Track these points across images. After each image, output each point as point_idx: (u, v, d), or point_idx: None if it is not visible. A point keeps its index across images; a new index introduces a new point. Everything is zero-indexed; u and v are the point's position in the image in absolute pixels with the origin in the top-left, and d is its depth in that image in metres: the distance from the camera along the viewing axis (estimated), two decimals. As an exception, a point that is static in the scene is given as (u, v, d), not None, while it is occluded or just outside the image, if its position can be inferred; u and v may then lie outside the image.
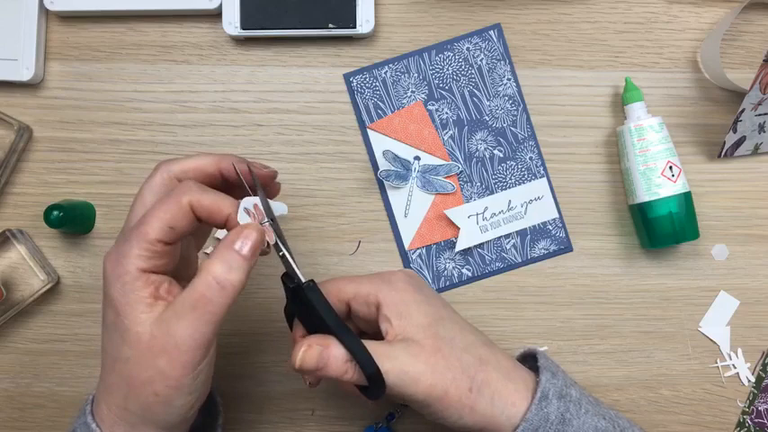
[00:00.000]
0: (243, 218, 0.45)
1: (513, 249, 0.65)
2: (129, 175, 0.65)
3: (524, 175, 0.65)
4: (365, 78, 0.65)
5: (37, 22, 0.63)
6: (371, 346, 0.47)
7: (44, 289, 0.63)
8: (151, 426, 0.45)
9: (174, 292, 0.44)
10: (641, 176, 0.62)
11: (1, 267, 0.64)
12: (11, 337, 0.64)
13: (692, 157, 0.66)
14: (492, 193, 0.65)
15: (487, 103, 0.65)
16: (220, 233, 0.64)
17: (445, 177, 0.65)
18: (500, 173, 0.65)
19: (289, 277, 0.49)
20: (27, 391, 0.64)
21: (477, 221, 0.64)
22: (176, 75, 0.65)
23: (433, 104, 0.65)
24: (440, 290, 0.65)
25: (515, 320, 0.65)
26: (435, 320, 0.51)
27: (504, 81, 0.65)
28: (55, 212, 0.58)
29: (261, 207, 0.47)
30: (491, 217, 0.65)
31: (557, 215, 0.65)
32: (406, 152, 0.65)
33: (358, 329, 0.54)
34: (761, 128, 0.64)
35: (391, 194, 0.65)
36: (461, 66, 0.65)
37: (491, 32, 0.65)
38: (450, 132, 0.65)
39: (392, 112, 0.65)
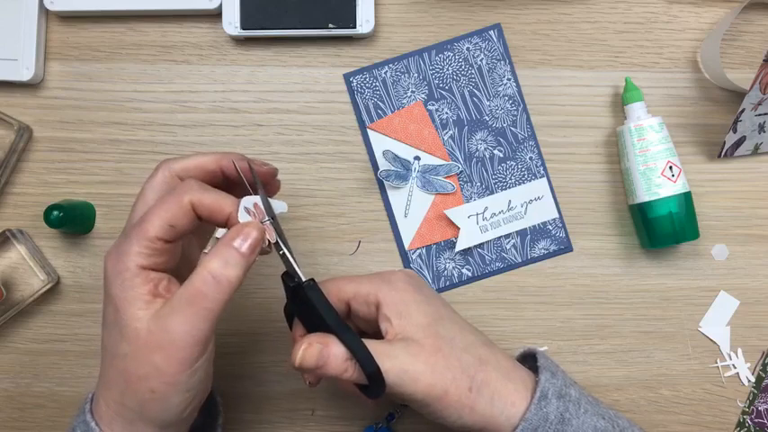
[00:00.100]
0: (243, 216, 0.45)
1: (513, 249, 0.65)
2: (129, 175, 0.65)
3: (524, 175, 0.65)
4: (365, 78, 0.65)
5: (37, 22, 0.63)
6: (371, 345, 0.47)
7: (44, 289, 0.63)
8: (148, 423, 0.45)
9: (173, 290, 0.44)
10: (641, 176, 0.62)
11: (1, 267, 0.64)
12: (11, 337, 0.64)
13: (692, 157, 0.66)
14: (492, 193, 0.65)
15: (487, 103, 0.65)
16: (220, 233, 0.64)
17: (445, 177, 0.65)
18: (500, 173, 0.65)
19: (289, 276, 0.49)
20: (27, 391, 0.64)
21: (477, 221, 0.64)
22: (176, 75, 0.65)
23: (433, 104, 0.65)
24: (440, 290, 0.65)
25: (515, 320, 0.65)
26: (435, 320, 0.51)
27: (504, 81, 0.65)
28: (55, 212, 0.58)
29: (261, 206, 0.47)
30: (491, 217, 0.65)
31: (557, 215, 0.65)
32: (406, 152, 0.65)
33: (358, 329, 0.54)
34: (761, 128, 0.64)
35: (391, 194, 0.65)
36: (461, 66, 0.65)
37: (491, 32, 0.65)
38: (450, 132, 0.65)
39: (392, 112, 0.65)
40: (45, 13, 0.64)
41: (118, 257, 0.44)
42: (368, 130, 0.65)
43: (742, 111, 0.62)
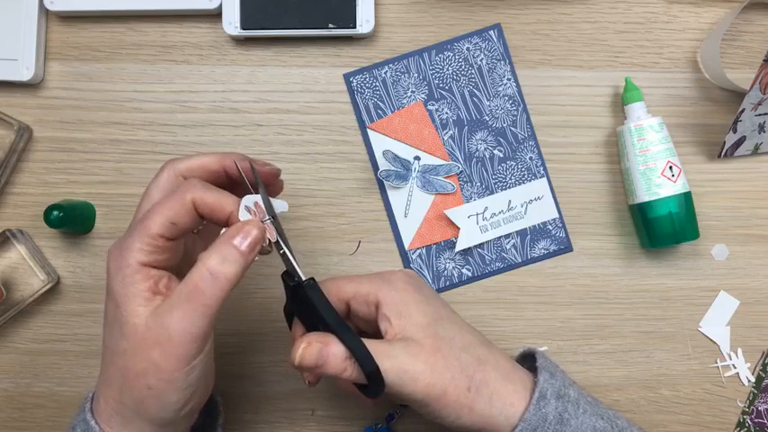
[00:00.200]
0: (244, 215, 0.46)
1: (513, 249, 0.65)
2: (129, 175, 0.65)
3: (524, 175, 0.65)
4: (365, 78, 0.65)
5: (37, 22, 0.63)
6: (371, 344, 0.47)
7: (44, 289, 0.63)
8: (145, 421, 0.45)
9: (174, 288, 0.44)
10: (641, 176, 0.62)
11: (1, 267, 0.64)
12: (11, 337, 0.64)
13: (692, 157, 0.66)
14: (492, 193, 0.65)
15: (487, 103, 0.65)
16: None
17: (445, 177, 0.65)
18: (500, 173, 0.65)
19: (289, 275, 0.49)
20: (27, 391, 0.64)
21: (477, 221, 0.64)
22: (176, 75, 0.65)
23: (433, 104, 0.65)
24: (440, 290, 0.65)
25: (515, 320, 0.65)
26: (434, 320, 0.51)
27: (504, 81, 0.65)
28: (55, 212, 0.58)
29: (262, 205, 0.47)
30: (491, 217, 0.65)
31: (557, 215, 0.65)
32: (406, 152, 0.65)
33: (357, 329, 0.54)
34: (761, 128, 0.64)
35: (391, 194, 0.65)
36: (461, 66, 0.65)
37: (491, 32, 0.65)
38: (450, 132, 0.65)
39: (392, 112, 0.65)
40: (45, 13, 0.64)
41: (120, 254, 0.44)
42: (368, 130, 0.65)
43: (742, 111, 0.62)
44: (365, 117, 0.65)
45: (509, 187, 0.65)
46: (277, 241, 0.48)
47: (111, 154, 0.65)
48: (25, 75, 0.63)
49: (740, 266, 0.66)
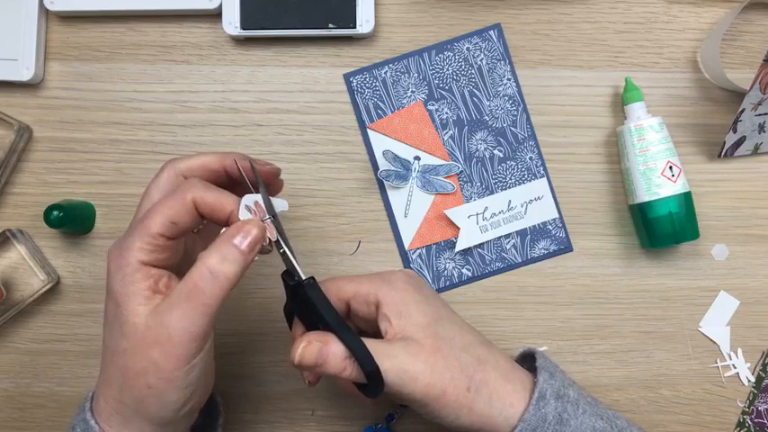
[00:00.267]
0: (244, 215, 0.46)
1: (513, 249, 0.65)
2: (129, 175, 0.65)
3: (524, 175, 0.65)
4: (365, 78, 0.65)
5: (37, 22, 0.63)
6: (371, 344, 0.47)
7: (44, 289, 0.63)
8: (145, 420, 0.45)
9: (173, 287, 0.44)
10: (641, 176, 0.62)
11: (1, 267, 0.64)
12: (11, 337, 0.64)
13: (692, 157, 0.66)
14: (492, 193, 0.65)
15: (487, 103, 0.65)
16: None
17: (445, 177, 0.65)
18: (500, 173, 0.65)
19: (289, 275, 0.49)
20: (27, 391, 0.64)
21: (477, 221, 0.64)
22: (176, 75, 0.65)
23: (433, 104, 0.65)
24: (440, 290, 0.65)
25: (515, 320, 0.65)
26: (434, 320, 0.51)
27: (504, 81, 0.65)
28: (55, 212, 0.58)
29: (262, 204, 0.47)
30: (491, 217, 0.65)
31: (557, 215, 0.65)
32: (406, 152, 0.65)
33: (357, 329, 0.54)
34: (761, 128, 0.64)
35: (391, 194, 0.65)
36: (461, 66, 0.65)
37: (491, 32, 0.66)
38: (450, 132, 0.65)
39: (392, 112, 0.65)
40: (45, 13, 0.64)
41: (120, 253, 0.44)
42: (368, 130, 0.65)
43: (742, 111, 0.62)
44: (365, 117, 0.65)
45: (509, 187, 0.65)
46: (277, 240, 0.48)
47: (111, 154, 0.65)
48: (25, 75, 0.63)
49: (740, 266, 0.66)
